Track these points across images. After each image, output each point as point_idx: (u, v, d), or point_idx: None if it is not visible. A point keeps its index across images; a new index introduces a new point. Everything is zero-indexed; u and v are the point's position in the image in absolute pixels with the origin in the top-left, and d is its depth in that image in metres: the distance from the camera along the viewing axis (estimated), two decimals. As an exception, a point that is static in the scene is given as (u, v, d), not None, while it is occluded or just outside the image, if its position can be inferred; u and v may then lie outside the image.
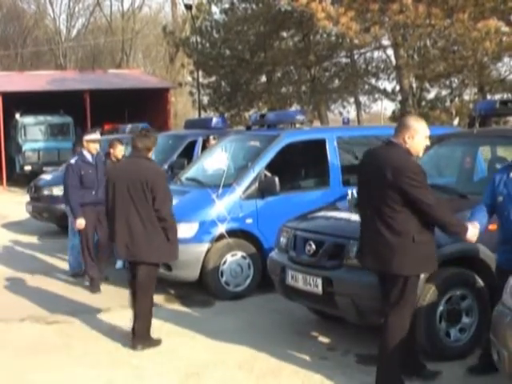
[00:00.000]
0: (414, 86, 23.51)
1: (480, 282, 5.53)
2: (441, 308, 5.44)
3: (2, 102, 25.95)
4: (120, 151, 9.46)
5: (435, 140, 6.61)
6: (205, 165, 9.07)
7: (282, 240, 6.51)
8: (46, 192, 12.94)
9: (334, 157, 8.54)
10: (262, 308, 7.38)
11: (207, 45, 27.33)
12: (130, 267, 6.35)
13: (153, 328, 6.23)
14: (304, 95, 27.12)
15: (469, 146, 7.31)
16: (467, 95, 23.89)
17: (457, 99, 23.49)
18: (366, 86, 27.92)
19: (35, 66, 45.51)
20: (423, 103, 24.02)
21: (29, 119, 26.62)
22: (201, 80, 27.45)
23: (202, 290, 7.95)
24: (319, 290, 5.80)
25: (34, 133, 26.50)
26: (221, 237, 7.79)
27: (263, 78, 28.15)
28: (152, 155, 6.40)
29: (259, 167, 8.14)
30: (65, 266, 9.61)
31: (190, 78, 32.34)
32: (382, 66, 26.79)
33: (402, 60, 21.27)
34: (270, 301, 7.36)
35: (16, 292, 8.47)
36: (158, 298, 7.25)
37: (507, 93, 21.17)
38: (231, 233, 7.82)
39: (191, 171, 9.33)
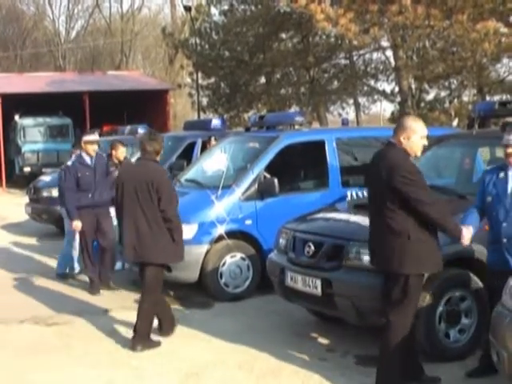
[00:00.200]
0: (413, 87, 23.54)
1: (479, 283, 5.53)
2: (440, 309, 5.45)
3: (2, 104, 25.95)
4: (122, 153, 9.34)
5: (434, 141, 6.62)
6: (204, 166, 9.07)
7: (282, 241, 6.51)
8: (45, 193, 12.90)
9: (333, 158, 8.53)
10: (261, 309, 7.38)
11: (206, 46, 27.37)
12: (139, 269, 6.38)
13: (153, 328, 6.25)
14: (303, 96, 27.15)
15: (468, 147, 7.32)
16: (466, 96, 23.97)
17: (456, 100, 23.52)
18: (365, 88, 27.94)
19: (34, 67, 45.52)
20: (422, 104, 24.05)
21: (28, 121, 26.61)
22: (200, 81, 27.48)
23: (202, 292, 7.95)
24: (318, 291, 5.80)
25: (33, 134, 26.50)
26: (220, 238, 7.78)
27: (262, 80, 28.18)
28: None
29: (258, 168, 8.13)
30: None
31: (189, 80, 32.32)
32: (381, 68, 26.83)
33: (401, 61, 21.29)
34: (270, 302, 7.36)
35: (16, 293, 8.47)
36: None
37: (506, 94, 21.20)
38: (230, 234, 7.81)
39: (190, 172, 9.32)
